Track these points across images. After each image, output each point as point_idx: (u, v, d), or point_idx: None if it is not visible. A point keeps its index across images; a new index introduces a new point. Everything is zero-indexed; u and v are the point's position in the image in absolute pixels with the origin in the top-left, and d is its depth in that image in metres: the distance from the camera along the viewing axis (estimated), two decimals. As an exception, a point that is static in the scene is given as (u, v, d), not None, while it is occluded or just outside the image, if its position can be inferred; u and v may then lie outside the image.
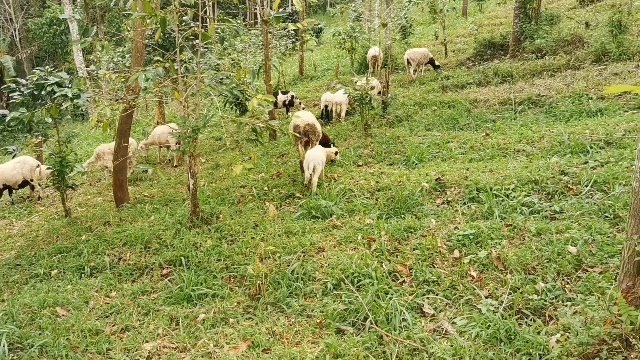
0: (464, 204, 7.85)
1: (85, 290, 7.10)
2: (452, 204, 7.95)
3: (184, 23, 9.19)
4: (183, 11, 8.34)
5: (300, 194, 9.59)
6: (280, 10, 9.37)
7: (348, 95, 13.04)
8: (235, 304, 6.22)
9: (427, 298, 5.68)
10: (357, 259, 6.52)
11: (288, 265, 6.76)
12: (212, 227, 8.44)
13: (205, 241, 7.93)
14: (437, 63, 18.56)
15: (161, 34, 9.47)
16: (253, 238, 7.83)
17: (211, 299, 6.43)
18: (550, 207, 7.17)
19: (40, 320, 6.31)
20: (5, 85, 10.16)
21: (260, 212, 9.09)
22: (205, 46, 12.71)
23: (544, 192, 7.67)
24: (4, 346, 5.55)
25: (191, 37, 8.91)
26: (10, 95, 10.09)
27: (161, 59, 8.83)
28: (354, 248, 7.04)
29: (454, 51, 21.47)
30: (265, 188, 10.32)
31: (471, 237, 6.57)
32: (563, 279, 5.49)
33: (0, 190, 13.13)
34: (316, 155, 9.74)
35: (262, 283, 6.28)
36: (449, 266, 6.19)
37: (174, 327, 5.94)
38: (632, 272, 4.06)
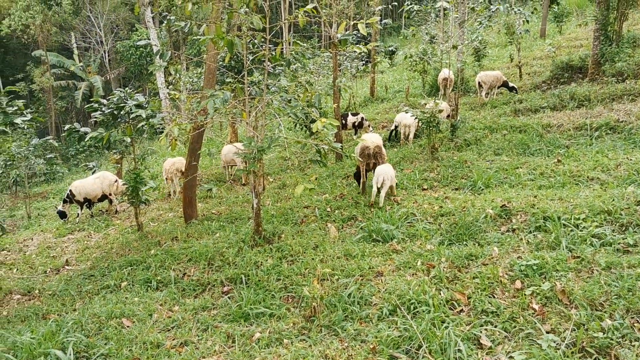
0: (530, 232, 7.58)
1: (150, 303, 7.36)
2: (517, 232, 7.70)
3: (255, 46, 9.48)
4: (252, 35, 8.62)
5: (362, 217, 9.59)
6: (347, 32, 9.51)
7: (415, 118, 12.96)
8: (291, 324, 6.26)
9: (485, 329, 5.50)
10: (414, 285, 6.43)
11: (345, 288, 6.75)
12: (273, 246, 8.57)
13: (266, 260, 8.05)
14: (512, 85, 18.12)
15: (233, 57, 9.81)
16: (313, 259, 7.87)
17: (268, 318, 6.51)
18: (623, 239, 6.80)
19: (106, 330, 6.58)
20: (88, 105, 10.82)
21: (321, 233, 9.15)
22: (277, 68, 13.04)
23: (617, 224, 7.28)
24: (70, 354, 5.84)
25: (263, 59, 9.17)
26: (92, 114, 10.73)
27: (232, 81, 9.15)
28: (413, 274, 6.94)
29: (529, 74, 20.90)
30: (328, 209, 10.39)
31: (535, 267, 6.32)
32: (632, 317, 5.18)
33: (81, 204, 13.92)
34: (385, 170, 9.92)
35: (317, 305, 6.30)
36: (510, 297, 5.98)
37: (230, 344, 6.04)
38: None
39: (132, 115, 9.99)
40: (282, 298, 7.00)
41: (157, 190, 14.73)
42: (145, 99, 10.49)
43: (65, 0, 32.81)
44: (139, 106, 10.15)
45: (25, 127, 9.19)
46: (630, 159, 9.90)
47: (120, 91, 10.68)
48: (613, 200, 7.82)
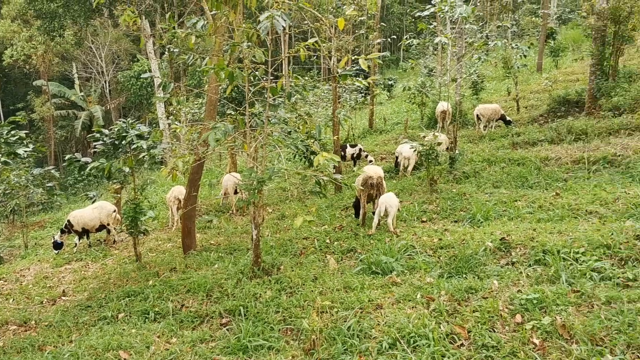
0: (529, 266, 7.58)
1: (148, 335, 7.29)
2: (517, 265, 7.69)
3: (256, 78, 9.60)
4: (254, 68, 8.75)
5: (361, 249, 9.58)
6: (348, 68, 9.66)
7: (414, 150, 13.06)
8: (290, 357, 6.21)
9: (486, 364, 5.47)
10: (414, 319, 6.40)
11: (345, 321, 6.71)
12: (272, 278, 8.53)
13: (265, 292, 8.01)
14: (508, 118, 18.32)
15: (234, 89, 9.93)
16: (312, 291, 7.83)
17: (266, 351, 6.45)
18: (622, 273, 6.80)
19: (103, 362, 6.52)
20: (90, 135, 10.89)
21: (320, 265, 9.12)
22: (278, 99, 13.16)
23: (617, 258, 7.28)
24: (66, 386, 5.77)
25: (264, 90, 9.28)
26: (94, 143, 10.79)
27: (233, 113, 9.24)
28: (413, 307, 6.91)
29: (526, 107, 21.14)
30: (328, 241, 10.39)
31: (535, 301, 6.30)
32: (633, 353, 5.16)
33: (79, 234, 13.88)
34: (388, 199, 10.16)
35: (317, 338, 6.26)
36: (510, 331, 5.95)
37: (229, 377, 5.98)
38: None
39: (133, 146, 10.05)
40: (281, 330, 6.96)
41: (157, 220, 14.70)
42: (148, 129, 10.57)
43: (68, 32, 33.20)
44: (140, 137, 10.22)
45: (26, 157, 9.23)
46: (628, 193, 9.95)
47: (122, 121, 10.77)
48: (612, 234, 7.83)
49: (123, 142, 10.41)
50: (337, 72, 9.77)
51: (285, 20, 7.35)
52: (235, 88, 12.40)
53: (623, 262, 7.16)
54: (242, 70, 8.29)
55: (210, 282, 8.75)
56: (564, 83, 22.74)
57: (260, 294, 7.96)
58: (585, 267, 7.06)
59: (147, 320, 7.98)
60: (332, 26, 12.25)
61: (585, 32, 25.52)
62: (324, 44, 13.63)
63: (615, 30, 17.41)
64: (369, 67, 23.35)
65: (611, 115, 16.10)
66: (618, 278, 6.71)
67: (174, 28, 9.01)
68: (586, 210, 9.63)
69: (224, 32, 9.54)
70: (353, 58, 9.01)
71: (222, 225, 13.65)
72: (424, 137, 13.21)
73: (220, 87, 11.36)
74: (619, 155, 12.70)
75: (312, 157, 10.16)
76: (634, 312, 5.72)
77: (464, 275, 7.71)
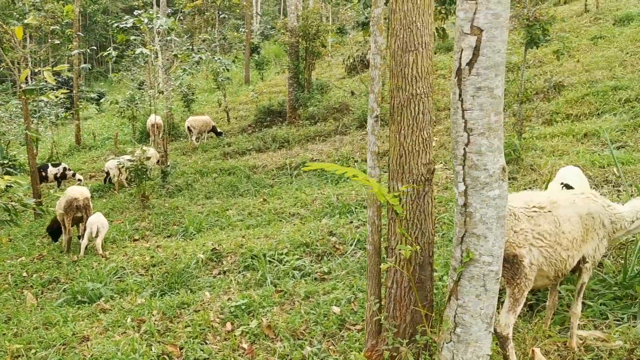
0: (239, 272, 7.82)
1: None
2: (228, 273, 7.87)
3: None
4: None
5: (65, 277, 8.74)
6: (35, 81, 8.74)
7: (122, 166, 12.49)
8: (-26, 420, 5.28)
9: (198, 379, 5.41)
10: (124, 345, 6.02)
11: (44, 363, 5.99)
12: (-50, 329, 7.20)
13: (-61, 348, 6.71)
14: (219, 130, 18.85)
15: None
16: (4, 334, 6.82)
17: (-58, 419, 5.39)
18: (319, 268, 7.46)
19: None
20: None
21: (16, 302, 8.04)
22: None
23: (315, 254, 7.97)
24: None
25: None
26: None
27: None
28: (123, 332, 6.50)
29: (236, 118, 22.03)
30: (25, 274, 9.22)
31: (243, 307, 6.48)
32: (328, 340, 5.64)
33: None
34: (98, 219, 9.75)
35: (7, 390, 5.45)
36: (222, 340, 6.00)
37: None
38: (375, 331, 4.30)
39: None
40: (-38, 390, 5.89)
41: None
42: None
43: None
44: None
45: None
46: (323, 194, 11.02)
47: None
48: (310, 233, 8.55)
49: None
50: (21, 86, 8.77)
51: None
52: None
53: (320, 258, 7.87)
54: None
55: None
56: (269, 94, 24.32)
57: None
58: (288, 267, 7.55)
59: None
60: (14, 34, 10.96)
61: (284, 48, 27.82)
62: (8, 54, 12.16)
63: (306, 47, 19.31)
64: (70, 78, 21.62)
65: (308, 123, 17.76)
66: (316, 273, 7.34)
67: None
68: (290, 213, 10.36)
69: None
70: (39, 70, 8.19)
71: None
72: (131, 152, 12.74)
73: None
74: (316, 160, 14.04)
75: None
76: (327, 303, 6.29)
77: (177, 291, 7.58)
